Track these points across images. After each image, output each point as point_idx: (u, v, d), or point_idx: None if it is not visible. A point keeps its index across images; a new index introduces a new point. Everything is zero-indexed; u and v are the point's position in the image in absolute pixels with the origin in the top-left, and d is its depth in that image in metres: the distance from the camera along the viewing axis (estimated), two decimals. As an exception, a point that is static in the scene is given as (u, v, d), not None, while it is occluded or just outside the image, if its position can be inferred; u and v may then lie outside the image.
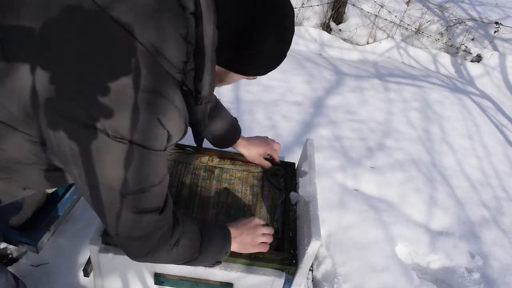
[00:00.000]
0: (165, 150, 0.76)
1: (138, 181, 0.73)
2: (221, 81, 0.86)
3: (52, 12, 0.68)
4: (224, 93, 2.72)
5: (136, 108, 0.66)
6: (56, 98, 0.66)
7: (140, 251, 0.83)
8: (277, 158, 1.40)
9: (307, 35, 4.16)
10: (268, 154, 1.39)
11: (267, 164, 1.39)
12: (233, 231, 1.04)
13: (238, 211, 1.23)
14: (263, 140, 1.38)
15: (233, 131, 1.30)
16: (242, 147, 1.34)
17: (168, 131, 0.72)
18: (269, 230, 1.11)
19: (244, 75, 0.84)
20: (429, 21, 4.56)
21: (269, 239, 1.10)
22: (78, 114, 0.66)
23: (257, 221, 1.10)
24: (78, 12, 0.68)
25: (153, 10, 0.69)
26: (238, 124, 1.32)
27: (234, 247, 1.04)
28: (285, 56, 0.83)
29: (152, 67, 0.69)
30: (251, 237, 1.06)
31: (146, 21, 0.69)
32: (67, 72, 0.66)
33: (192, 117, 0.83)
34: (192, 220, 0.95)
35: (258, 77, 0.90)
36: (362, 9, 4.42)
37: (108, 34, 0.67)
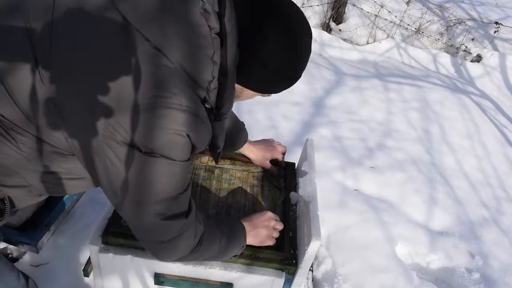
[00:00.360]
0: (189, 159, 0.79)
1: (168, 191, 0.77)
2: (237, 97, 0.89)
3: (88, 28, 0.70)
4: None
5: (168, 126, 0.70)
6: (94, 115, 0.69)
7: (168, 253, 0.86)
8: (282, 161, 1.41)
9: (307, 35, 4.15)
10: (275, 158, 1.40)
11: (274, 168, 1.39)
12: (247, 226, 1.07)
13: (238, 211, 1.23)
14: (269, 144, 1.39)
15: (240, 136, 1.30)
16: (249, 151, 1.35)
17: (194, 145, 0.77)
18: (279, 225, 1.14)
19: (260, 93, 0.88)
20: (429, 21, 4.55)
21: (276, 234, 1.13)
22: (114, 131, 0.69)
23: (270, 214, 1.13)
24: (113, 30, 0.70)
25: (184, 31, 0.71)
26: (245, 128, 1.32)
27: (249, 240, 1.06)
28: (299, 77, 0.86)
29: (182, 86, 0.71)
30: (265, 230, 1.09)
31: (177, 42, 0.71)
32: (106, 91, 0.68)
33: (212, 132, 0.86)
34: (209, 217, 0.98)
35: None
36: (362, 9, 4.42)
37: (142, 54, 0.69)
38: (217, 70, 0.76)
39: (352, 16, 4.39)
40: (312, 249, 1.03)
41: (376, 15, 4.35)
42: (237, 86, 0.84)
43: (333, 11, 4.33)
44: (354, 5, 4.44)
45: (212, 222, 0.96)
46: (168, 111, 0.69)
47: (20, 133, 0.75)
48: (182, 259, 0.90)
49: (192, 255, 0.90)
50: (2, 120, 0.73)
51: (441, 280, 1.93)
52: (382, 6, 4.42)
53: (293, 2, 0.82)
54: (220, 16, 0.74)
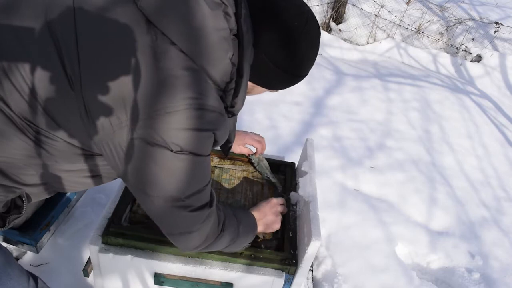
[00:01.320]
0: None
1: (197, 184, 0.81)
2: (247, 93, 0.91)
3: (115, 30, 0.71)
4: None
5: (197, 126, 0.72)
6: (125, 118, 0.70)
7: (195, 242, 0.88)
8: (258, 147, 1.38)
9: (307, 35, 4.15)
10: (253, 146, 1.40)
11: (247, 150, 1.39)
12: (257, 214, 1.09)
13: (238, 211, 1.24)
14: (241, 133, 1.38)
15: None
16: None
17: (217, 141, 0.81)
18: (284, 209, 1.19)
19: (270, 89, 0.92)
20: (429, 21, 4.55)
21: (283, 210, 1.18)
22: (144, 133, 0.70)
23: (275, 200, 1.17)
24: (140, 32, 0.71)
25: (209, 35, 0.73)
26: None
27: (260, 228, 1.09)
28: (307, 74, 0.89)
29: (207, 87, 0.74)
30: (273, 216, 1.13)
31: (202, 45, 0.73)
32: (137, 93, 0.69)
33: None
34: (225, 205, 1.01)
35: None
36: (362, 9, 4.42)
37: (170, 57, 0.70)
38: (235, 71, 0.79)
39: (352, 16, 4.39)
40: (312, 249, 1.03)
41: (376, 15, 4.35)
42: (249, 83, 0.88)
43: (333, 11, 4.33)
44: (354, 5, 4.44)
45: (229, 210, 1.00)
46: (198, 112, 0.72)
47: (49, 137, 0.75)
48: (208, 247, 0.92)
49: (216, 242, 0.92)
50: (30, 126, 0.74)
51: (441, 280, 1.93)
52: (382, 6, 4.42)
53: (303, 2, 0.84)
54: (236, 17, 0.76)
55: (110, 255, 1.05)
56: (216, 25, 0.74)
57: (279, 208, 1.16)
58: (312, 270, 1.74)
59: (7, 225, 0.83)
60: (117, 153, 0.75)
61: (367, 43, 4.33)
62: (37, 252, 1.42)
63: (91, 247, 1.05)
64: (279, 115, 2.71)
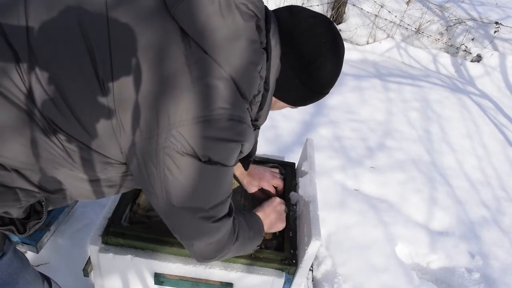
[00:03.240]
0: None
1: (221, 195, 0.81)
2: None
3: (148, 38, 0.70)
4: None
5: (228, 137, 0.73)
6: (156, 126, 0.70)
7: (213, 252, 0.88)
8: (279, 186, 1.33)
9: (307, 35, 4.15)
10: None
11: (260, 194, 1.32)
12: (261, 215, 1.10)
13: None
14: (262, 171, 1.31)
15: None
16: (237, 168, 1.28)
17: (242, 152, 0.81)
18: (286, 208, 1.20)
19: (291, 105, 0.92)
20: (429, 21, 4.55)
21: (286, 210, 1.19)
22: (175, 142, 0.70)
23: (278, 200, 1.18)
24: (174, 41, 0.70)
25: (241, 47, 0.73)
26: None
27: (265, 228, 1.09)
28: (328, 93, 0.90)
29: (237, 98, 0.74)
30: (277, 215, 1.14)
31: (234, 57, 0.72)
32: (169, 102, 0.69)
33: None
34: (236, 212, 1.00)
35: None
36: (362, 9, 4.42)
37: (203, 66, 0.70)
38: (262, 84, 0.79)
39: (352, 16, 4.39)
40: (312, 249, 1.03)
41: (376, 15, 4.35)
42: (273, 98, 0.88)
43: (333, 11, 4.33)
44: (354, 5, 4.44)
45: (240, 216, 0.99)
46: (230, 123, 0.72)
47: (75, 144, 0.73)
48: (224, 256, 0.92)
49: (231, 251, 0.92)
50: (58, 131, 0.71)
51: (441, 280, 1.93)
52: (382, 6, 4.42)
53: (330, 20, 0.85)
54: (266, 30, 0.77)
55: (110, 255, 1.05)
56: (249, 37, 0.74)
57: (283, 208, 1.18)
58: (312, 270, 1.74)
59: (27, 231, 0.83)
60: (144, 163, 0.74)
61: (367, 43, 4.33)
62: (37, 252, 1.42)
63: (91, 247, 1.05)
64: (279, 115, 2.71)
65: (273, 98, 0.88)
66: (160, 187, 0.76)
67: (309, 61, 0.81)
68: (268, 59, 0.78)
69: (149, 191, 0.79)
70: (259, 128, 0.93)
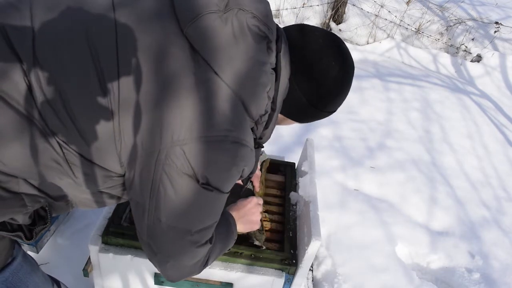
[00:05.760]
0: None
1: (207, 221, 0.80)
2: (277, 123, 0.92)
3: (156, 54, 0.69)
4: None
5: (230, 159, 0.72)
6: (158, 143, 0.69)
7: (185, 273, 0.86)
8: (256, 184, 1.32)
9: (307, 35, 4.15)
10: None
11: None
12: (235, 214, 1.06)
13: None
14: None
15: None
16: None
17: (242, 176, 0.80)
18: (262, 208, 1.15)
19: (299, 122, 0.92)
20: (429, 21, 4.55)
21: (260, 216, 1.14)
22: (176, 160, 0.69)
23: (256, 200, 1.13)
24: (183, 59, 0.70)
25: (251, 68, 0.73)
26: None
27: (239, 228, 1.06)
28: (335, 111, 0.90)
29: (243, 120, 0.74)
30: (253, 217, 1.09)
31: (243, 77, 0.72)
32: (174, 120, 0.68)
33: None
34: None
35: None
36: (362, 9, 4.42)
37: (211, 86, 0.70)
38: (269, 104, 0.79)
39: (352, 16, 4.39)
40: (312, 249, 1.03)
41: (376, 15, 4.34)
42: (279, 115, 0.88)
43: (333, 11, 4.33)
44: (354, 5, 4.44)
45: (217, 237, 0.94)
46: (232, 145, 0.71)
47: (76, 158, 0.72)
48: (190, 275, 0.89)
49: (200, 269, 0.89)
50: (61, 144, 0.69)
51: (441, 280, 1.93)
52: (382, 6, 4.41)
53: (341, 40, 0.84)
54: (276, 51, 0.77)
55: (110, 255, 1.05)
56: (259, 59, 0.74)
57: (259, 209, 1.13)
58: (312, 270, 1.74)
59: (34, 236, 0.82)
60: (140, 176, 0.73)
61: (367, 43, 4.33)
62: (37, 252, 1.42)
63: (91, 247, 1.05)
64: (279, 115, 2.71)
65: (282, 116, 0.89)
66: (151, 202, 0.74)
67: (318, 82, 0.81)
68: (277, 79, 0.78)
69: (137, 204, 0.77)
70: (263, 147, 0.92)
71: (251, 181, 1.31)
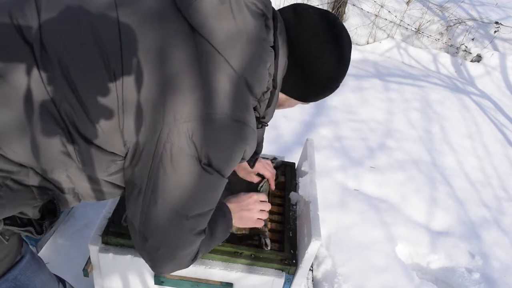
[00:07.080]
0: None
1: (203, 206, 0.79)
2: (280, 105, 0.93)
3: (160, 36, 0.70)
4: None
5: (231, 137, 0.72)
6: (160, 121, 0.69)
7: (173, 267, 0.85)
8: (270, 177, 1.32)
9: (307, 35, 4.15)
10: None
11: (257, 179, 1.32)
12: (233, 207, 1.06)
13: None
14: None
15: None
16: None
17: (244, 158, 0.80)
18: (266, 206, 1.12)
19: (302, 101, 0.92)
20: (429, 21, 4.55)
21: (264, 216, 1.11)
22: (176, 138, 0.69)
23: (256, 197, 1.11)
24: (186, 40, 0.71)
25: (253, 46, 0.74)
26: None
27: (235, 222, 1.06)
28: (338, 86, 0.89)
29: (247, 100, 0.75)
30: (250, 213, 1.08)
31: (246, 55, 0.73)
32: (180, 99, 0.69)
33: None
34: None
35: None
36: (362, 9, 4.42)
37: (213, 66, 0.70)
38: (271, 81, 0.80)
39: (352, 16, 4.39)
40: (312, 249, 1.03)
41: (376, 15, 4.34)
42: (281, 95, 0.88)
43: (333, 11, 4.33)
44: (354, 5, 4.44)
45: (208, 231, 0.93)
46: (234, 123, 0.72)
47: (81, 141, 0.72)
48: (180, 268, 0.88)
49: (191, 263, 0.88)
50: (70, 129, 0.70)
51: (441, 280, 1.93)
52: (382, 6, 4.41)
53: (335, 16, 0.85)
54: (274, 29, 0.78)
55: (110, 255, 1.05)
56: (259, 36, 0.75)
57: (259, 206, 1.10)
58: (312, 270, 1.74)
59: (44, 231, 0.83)
60: (140, 156, 0.73)
61: (367, 43, 4.33)
62: (37, 252, 1.42)
63: (91, 247, 1.05)
64: (279, 115, 2.71)
65: (284, 96, 0.89)
66: (148, 182, 0.74)
67: (313, 57, 0.81)
68: (276, 57, 0.79)
69: (134, 186, 0.76)
70: (267, 125, 0.93)
71: (267, 180, 1.31)
